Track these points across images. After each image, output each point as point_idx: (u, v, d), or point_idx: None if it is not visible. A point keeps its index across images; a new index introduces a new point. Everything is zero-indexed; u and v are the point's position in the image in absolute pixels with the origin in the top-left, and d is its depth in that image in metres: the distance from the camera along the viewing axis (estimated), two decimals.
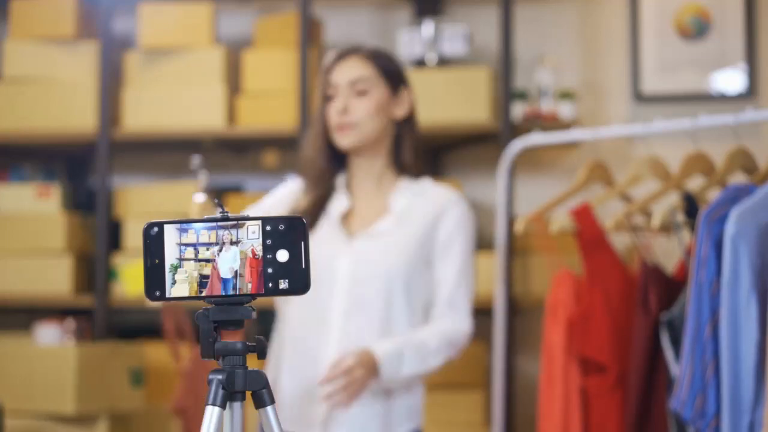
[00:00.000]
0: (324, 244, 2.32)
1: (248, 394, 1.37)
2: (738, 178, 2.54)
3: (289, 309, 2.35)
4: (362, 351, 2.18)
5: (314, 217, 2.37)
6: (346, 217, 2.37)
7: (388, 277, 2.28)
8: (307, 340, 2.30)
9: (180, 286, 1.31)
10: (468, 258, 2.36)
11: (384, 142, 2.37)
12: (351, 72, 2.33)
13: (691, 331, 2.13)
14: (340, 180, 2.40)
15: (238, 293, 1.31)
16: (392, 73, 2.37)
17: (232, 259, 1.31)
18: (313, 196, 2.38)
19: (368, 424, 2.26)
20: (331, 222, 2.35)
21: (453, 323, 2.31)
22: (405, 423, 2.31)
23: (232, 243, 1.32)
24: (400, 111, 2.37)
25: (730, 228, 2.06)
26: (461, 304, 2.32)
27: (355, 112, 2.31)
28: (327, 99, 2.36)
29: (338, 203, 2.37)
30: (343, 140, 2.33)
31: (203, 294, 1.32)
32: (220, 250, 1.31)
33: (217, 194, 3.71)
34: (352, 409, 2.22)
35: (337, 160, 2.39)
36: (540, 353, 2.70)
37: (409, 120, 2.39)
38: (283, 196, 2.44)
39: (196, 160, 2.42)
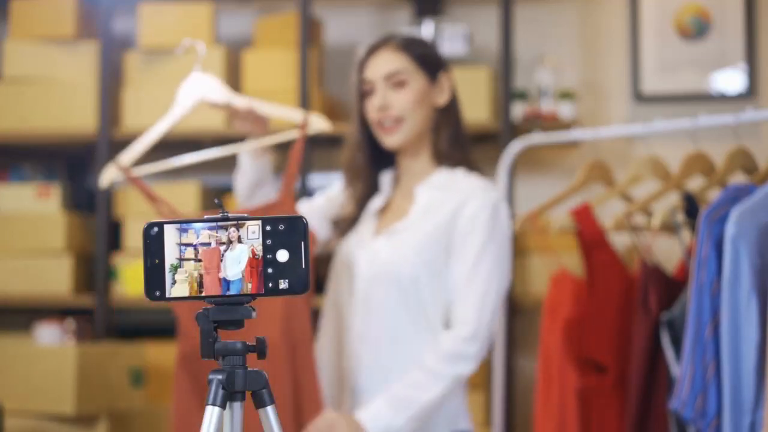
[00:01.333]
0: (354, 241, 2.28)
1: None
2: (738, 178, 2.54)
3: (324, 304, 2.35)
4: (349, 418, 2.07)
5: (355, 216, 2.31)
6: (382, 214, 2.30)
7: (396, 278, 2.20)
8: (334, 334, 2.29)
9: (180, 286, 1.31)
10: (487, 254, 2.17)
11: (427, 133, 2.27)
12: (385, 65, 2.22)
13: (692, 331, 2.13)
14: (387, 176, 2.32)
15: (238, 293, 1.31)
16: (429, 61, 2.26)
17: (237, 259, 1.31)
18: (354, 196, 2.31)
19: None
20: (368, 219, 2.30)
21: (454, 335, 2.14)
22: (440, 428, 2.20)
23: (233, 242, 1.31)
24: (441, 98, 2.27)
25: (730, 228, 2.06)
26: (469, 307, 2.14)
27: (396, 105, 2.21)
28: (363, 96, 2.26)
29: (377, 200, 2.30)
30: (390, 140, 2.24)
31: (203, 294, 1.32)
32: (224, 250, 1.31)
33: (218, 194, 3.71)
34: None
35: (380, 156, 2.30)
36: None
37: (450, 107, 2.28)
38: (335, 196, 2.39)
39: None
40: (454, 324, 2.16)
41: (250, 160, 2.25)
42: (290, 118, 2.24)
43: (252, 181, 2.27)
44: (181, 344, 2.20)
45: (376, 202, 2.31)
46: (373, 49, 2.25)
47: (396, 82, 2.22)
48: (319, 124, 2.22)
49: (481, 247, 2.17)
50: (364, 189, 2.31)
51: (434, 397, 2.11)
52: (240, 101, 2.24)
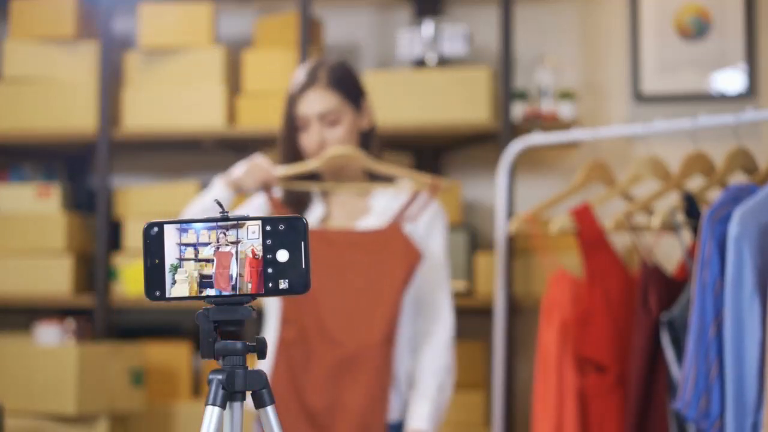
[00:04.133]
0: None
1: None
2: (738, 178, 2.54)
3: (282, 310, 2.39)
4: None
5: None
6: (323, 223, 2.43)
7: None
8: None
9: (180, 286, 1.31)
10: (444, 255, 2.42)
11: None
12: (319, 104, 2.40)
13: (695, 331, 2.13)
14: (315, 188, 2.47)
15: (238, 293, 1.31)
16: (354, 94, 2.44)
17: (237, 258, 1.31)
18: (291, 205, 2.45)
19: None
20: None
21: (441, 332, 2.36)
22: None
23: (233, 243, 1.32)
24: (364, 123, 2.46)
25: (733, 228, 2.06)
26: (441, 303, 2.38)
27: (331, 141, 2.40)
28: (296, 129, 2.43)
29: (315, 211, 2.44)
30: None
31: (205, 293, 1.32)
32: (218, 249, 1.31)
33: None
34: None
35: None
36: None
37: (372, 128, 2.48)
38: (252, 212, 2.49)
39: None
40: (437, 317, 2.38)
41: (227, 189, 2.42)
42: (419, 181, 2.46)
43: (212, 206, 2.41)
44: (284, 331, 2.34)
45: (314, 214, 2.44)
46: (303, 88, 2.42)
47: (330, 120, 2.40)
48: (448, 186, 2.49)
49: (445, 257, 2.42)
50: (302, 199, 2.46)
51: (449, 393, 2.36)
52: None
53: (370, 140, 2.48)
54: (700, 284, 2.13)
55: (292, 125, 2.44)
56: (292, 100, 2.43)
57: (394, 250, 2.33)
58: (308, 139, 2.42)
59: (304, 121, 2.42)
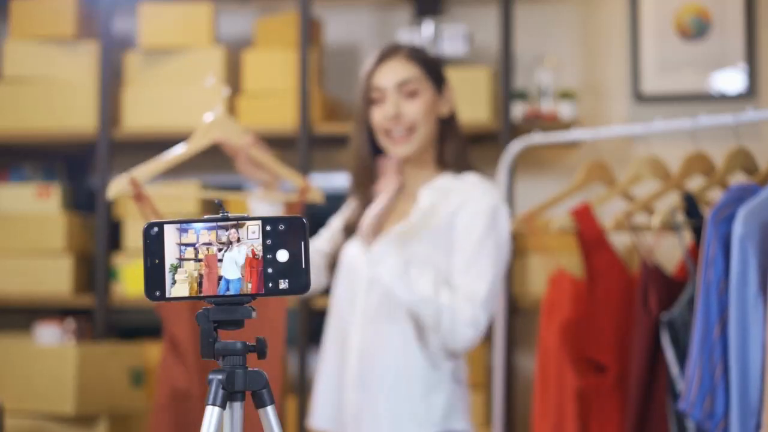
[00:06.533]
0: (356, 248, 2.29)
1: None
2: (738, 178, 2.54)
3: (332, 307, 2.35)
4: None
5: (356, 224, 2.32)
6: (387, 219, 2.31)
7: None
8: (337, 344, 2.31)
9: (180, 286, 1.31)
10: (485, 248, 2.20)
11: (433, 143, 2.30)
12: (398, 73, 2.25)
13: (700, 331, 2.12)
14: None
15: (238, 293, 1.31)
16: (436, 72, 2.30)
17: (236, 259, 1.31)
18: (361, 203, 2.32)
19: (381, 421, 2.23)
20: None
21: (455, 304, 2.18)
22: (425, 427, 2.23)
23: (233, 243, 1.32)
24: (444, 109, 2.30)
25: (737, 228, 2.05)
26: (468, 289, 2.18)
27: (409, 114, 2.24)
28: (371, 103, 2.27)
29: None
30: (400, 150, 2.26)
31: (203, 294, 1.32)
32: (224, 250, 1.31)
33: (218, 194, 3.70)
34: (376, 407, 2.22)
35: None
36: None
37: (452, 118, 2.32)
38: (335, 232, 2.41)
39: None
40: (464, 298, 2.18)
41: (259, 205, 2.27)
42: (292, 179, 2.29)
43: None
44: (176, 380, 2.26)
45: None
46: (383, 57, 2.27)
47: (409, 91, 2.24)
48: (315, 194, 2.31)
49: (479, 242, 2.20)
50: (371, 196, 2.32)
51: (417, 297, 2.15)
52: (254, 153, 2.25)
53: (451, 129, 2.30)
54: (705, 284, 2.12)
55: (367, 100, 2.26)
56: (369, 74, 2.26)
57: (269, 327, 2.15)
58: (381, 112, 2.24)
59: (380, 94, 2.24)
